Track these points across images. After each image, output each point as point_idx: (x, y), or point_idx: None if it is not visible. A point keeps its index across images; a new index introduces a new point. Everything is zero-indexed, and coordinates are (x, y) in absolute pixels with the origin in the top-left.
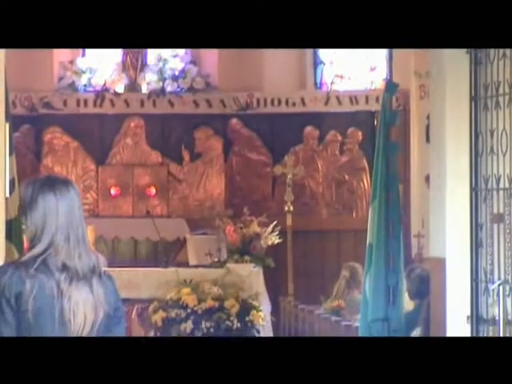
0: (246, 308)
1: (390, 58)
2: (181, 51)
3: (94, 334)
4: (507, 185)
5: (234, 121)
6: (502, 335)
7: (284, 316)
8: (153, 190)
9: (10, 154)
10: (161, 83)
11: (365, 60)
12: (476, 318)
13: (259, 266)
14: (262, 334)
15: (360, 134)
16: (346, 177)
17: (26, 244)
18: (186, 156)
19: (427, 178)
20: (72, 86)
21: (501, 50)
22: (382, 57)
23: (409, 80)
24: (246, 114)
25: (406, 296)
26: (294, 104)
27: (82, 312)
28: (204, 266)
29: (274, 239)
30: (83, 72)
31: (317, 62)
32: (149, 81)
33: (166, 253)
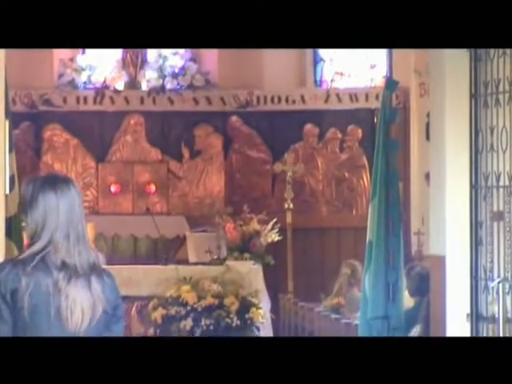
0: (245, 305)
1: (390, 56)
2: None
3: (92, 332)
4: (507, 182)
5: (234, 118)
6: (501, 333)
7: (284, 313)
8: (153, 188)
9: (10, 151)
10: (161, 80)
11: (365, 58)
12: (476, 315)
13: (259, 263)
14: (262, 332)
15: (360, 131)
16: (346, 174)
17: (25, 241)
18: (186, 153)
19: (427, 176)
20: (72, 84)
21: None
22: (382, 54)
23: (409, 78)
24: (245, 111)
25: (406, 293)
26: (293, 101)
27: (79, 309)
28: (204, 264)
29: (274, 237)
30: (83, 69)
31: (317, 60)
32: (149, 78)
33: (166, 250)
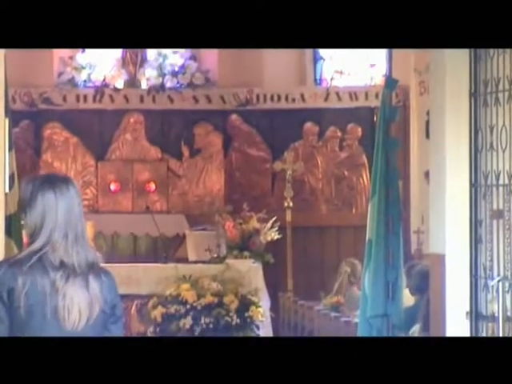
0: (245, 304)
1: (390, 55)
2: None
3: (89, 332)
4: (507, 181)
5: (234, 117)
6: (501, 331)
7: (283, 312)
8: (152, 186)
9: (10, 149)
10: (160, 79)
11: (365, 56)
12: (475, 314)
13: (258, 261)
14: (262, 330)
15: (360, 130)
16: (346, 173)
17: (25, 240)
18: (186, 152)
19: (427, 174)
20: (72, 82)
21: None
22: (381, 53)
23: (408, 76)
24: (245, 109)
25: (406, 291)
26: (293, 100)
27: (76, 309)
28: (203, 262)
29: (274, 235)
30: (83, 68)
31: (316, 58)
32: (148, 76)
33: (166, 248)
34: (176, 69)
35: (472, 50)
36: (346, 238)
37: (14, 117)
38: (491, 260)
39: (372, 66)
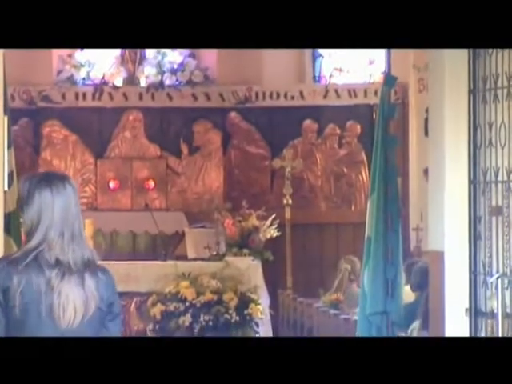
0: (244, 301)
1: (389, 52)
2: None
3: (86, 329)
4: (505, 177)
5: (233, 114)
6: (500, 328)
7: (283, 309)
8: (151, 184)
9: (9, 147)
10: (159, 76)
11: (363, 53)
12: (474, 310)
13: (258, 259)
14: (261, 328)
15: (359, 127)
16: (345, 170)
17: (23, 237)
18: (185, 149)
19: (426, 171)
20: (71, 80)
21: None
22: (380, 50)
23: (407, 73)
24: (244, 107)
25: (407, 288)
26: (292, 97)
27: (71, 306)
28: (203, 260)
29: (273, 232)
30: (82, 65)
31: (315, 56)
32: (147, 74)
33: (165, 246)
34: (175, 66)
35: None
36: (345, 235)
37: (13, 115)
38: (490, 257)
39: (371, 63)
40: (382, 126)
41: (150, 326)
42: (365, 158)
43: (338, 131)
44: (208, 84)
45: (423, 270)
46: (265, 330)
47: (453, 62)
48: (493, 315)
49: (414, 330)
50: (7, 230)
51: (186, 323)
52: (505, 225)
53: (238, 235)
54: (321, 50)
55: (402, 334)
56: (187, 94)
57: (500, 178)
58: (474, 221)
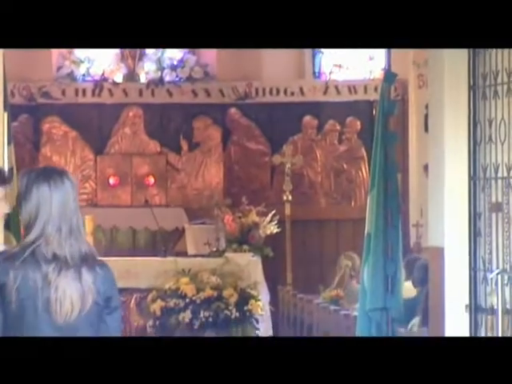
0: (244, 297)
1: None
2: None
3: (83, 323)
4: (505, 174)
5: (233, 110)
6: (500, 324)
7: (283, 305)
8: (151, 180)
9: (9, 143)
10: (159, 73)
11: (363, 50)
12: (474, 307)
13: (258, 255)
14: (261, 324)
15: (358, 123)
16: (345, 166)
17: (22, 232)
18: (185, 145)
19: (426, 168)
20: (70, 76)
21: None
22: None
23: (407, 69)
24: (244, 103)
25: (409, 284)
26: (292, 93)
27: (68, 301)
28: (202, 256)
29: (273, 228)
30: (82, 62)
31: (315, 52)
32: (147, 70)
33: (165, 242)
34: (175, 63)
35: None
36: (345, 232)
37: (12, 111)
38: (490, 253)
39: (371, 59)
40: (382, 122)
41: (150, 323)
42: (365, 154)
43: (338, 127)
44: (208, 80)
45: (426, 266)
46: (265, 326)
47: (453, 58)
48: (493, 311)
49: (414, 326)
50: (7, 225)
51: (186, 319)
52: (505, 221)
53: (238, 231)
54: None
55: (402, 330)
56: (187, 90)
57: (500, 175)
58: (473, 217)
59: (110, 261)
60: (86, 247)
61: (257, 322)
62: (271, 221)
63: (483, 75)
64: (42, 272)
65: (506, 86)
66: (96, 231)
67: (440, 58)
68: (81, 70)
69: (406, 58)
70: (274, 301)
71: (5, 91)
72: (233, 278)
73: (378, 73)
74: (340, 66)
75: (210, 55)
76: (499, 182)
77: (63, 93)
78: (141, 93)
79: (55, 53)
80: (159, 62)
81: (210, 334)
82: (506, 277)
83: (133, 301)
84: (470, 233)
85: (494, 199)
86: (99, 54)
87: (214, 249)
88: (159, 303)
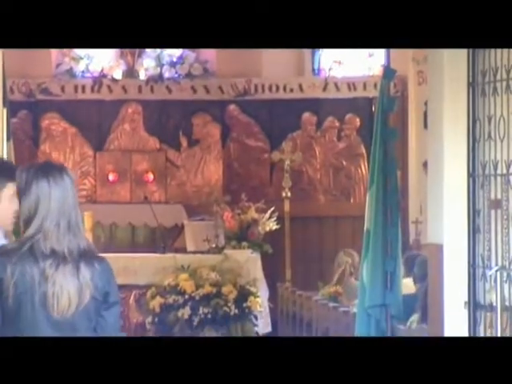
0: (243, 294)
1: None
2: None
3: (80, 318)
4: (504, 171)
5: (232, 107)
6: (499, 321)
7: (282, 302)
8: (150, 176)
9: (8, 139)
10: (159, 69)
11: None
12: (473, 303)
13: (257, 252)
14: (260, 320)
15: (358, 120)
16: (344, 163)
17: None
18: (184, 142)
19: (425, 164)
20: (70, 72)
21: None
22: None
23: (407, 66)
24: (243, 100)
25: (407, 281)
26: (291, 90)
27: (66, 296)
28: (202, 252)
29: (272, 225)
30: (81, 58)
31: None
32: (147, 67)
33: (164, 239)
34: (174, 59)
35: None
36: (344, 228)
37: (12, 107)
38: (489, 250)
39: (370, 56)
40: (382, 118)
41: (149, 319)
42: (364, 151)
43: (337, 124)
44: (207, 77)
45: (425, 263)
46: (264, 322)
47: (452, 55)
48: (492, 308)
49: (413, 322)
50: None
51: (185, 316)
52: (504, 218)
53: (237, 228)
54: None
55: (401, 327)
56: (186, 86)
57: (499, 171)
58: (473, 214)
59: (109, 257)
60: (84, 243)
61: (256, 318)
62: (270, 217)
63: (482, 72)
64: (39, 267)
65: (505, 83)
66: (95, 227)
67: (439, 54)
68: (80, 67)
69: (406, 55)
70: (273, 297)
71: (4, 87)
72: (232, 274)
73: (377, 69)
74: (339, 63)
75: (209, 52)
76: (498, 178)
77: (62, 89)
78: (140, 89)
79: (54, 49)
80: (158, 59)
81: (209, 330)
82: (505, 274)
83: (132, 297)
84: (469, 230)
85: (493, 196)
86: (98, 50)
87: (214, 245)
88: (158, 300)
